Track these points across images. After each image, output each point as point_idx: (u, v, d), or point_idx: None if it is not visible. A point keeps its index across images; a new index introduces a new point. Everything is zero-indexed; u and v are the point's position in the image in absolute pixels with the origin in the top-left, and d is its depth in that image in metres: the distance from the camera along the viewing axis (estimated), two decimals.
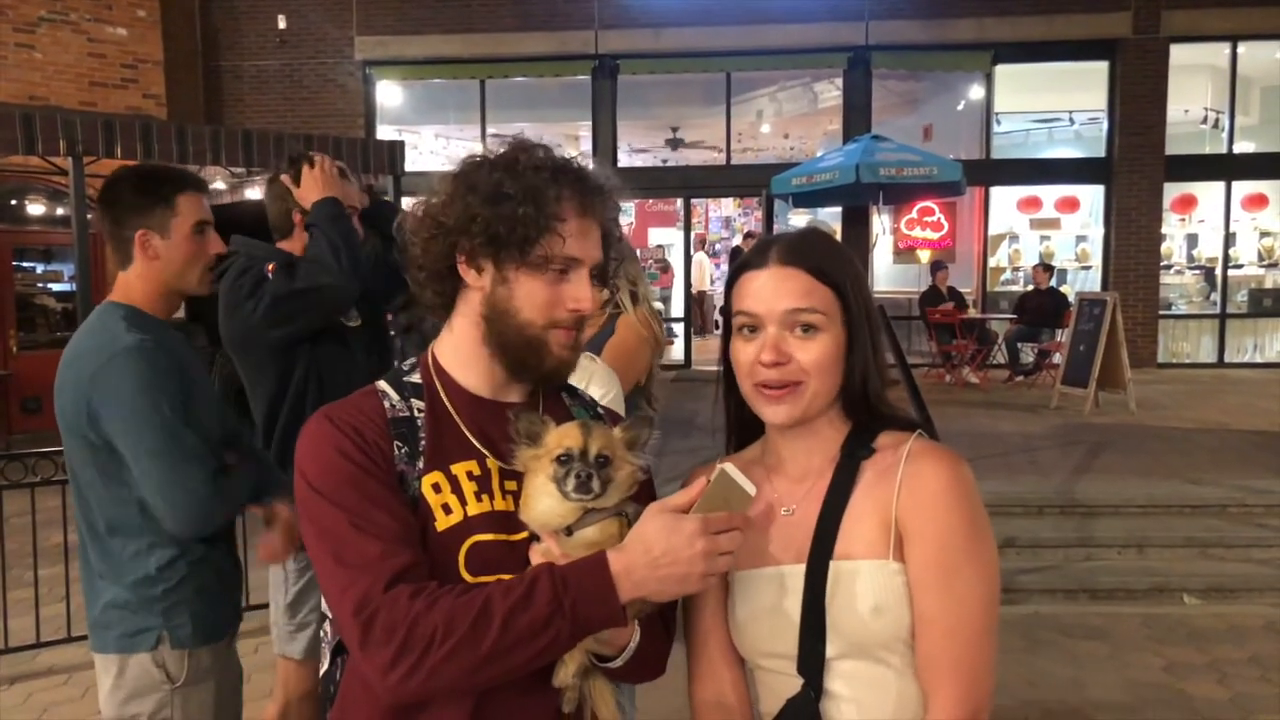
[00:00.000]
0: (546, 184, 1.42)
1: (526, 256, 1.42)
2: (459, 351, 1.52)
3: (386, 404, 1.47)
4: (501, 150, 1.47)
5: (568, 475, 1.38)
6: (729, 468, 1.29)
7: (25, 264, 11.67)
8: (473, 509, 1.43)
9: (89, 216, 9.63)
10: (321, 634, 1.55)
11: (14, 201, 11.75)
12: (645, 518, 1.33)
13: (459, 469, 1.45)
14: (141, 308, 2.47)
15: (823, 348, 1.44)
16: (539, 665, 1.34)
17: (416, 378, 1.52)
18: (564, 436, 1.41)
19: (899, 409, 1.54)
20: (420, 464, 1.43)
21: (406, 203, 3.28)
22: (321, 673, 1.55)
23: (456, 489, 1.43)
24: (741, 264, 1.53)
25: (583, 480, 1.37)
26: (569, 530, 1.39)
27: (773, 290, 1.46)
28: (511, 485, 1.46)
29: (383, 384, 1.51)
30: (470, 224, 1.42)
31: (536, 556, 1.40)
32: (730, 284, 1.55)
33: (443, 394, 1.50)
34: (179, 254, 2.49)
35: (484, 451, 1.47)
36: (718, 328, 15.90)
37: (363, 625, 1.28)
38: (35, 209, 11.83)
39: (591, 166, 1.51)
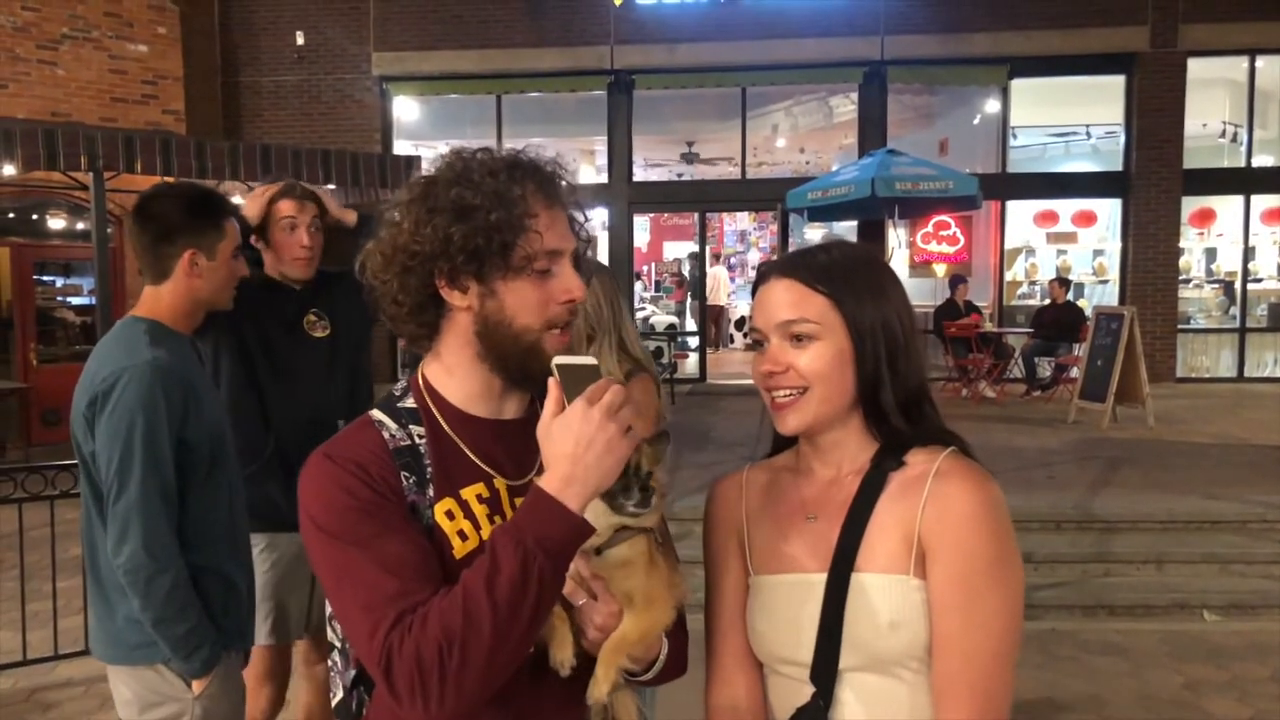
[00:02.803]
0: (507, 184, 1.39)
1: (510, 262, 1.39)
2: (452, 373, 1.48)
3: (385, 434, 1.43)
4: (446, 164, 1.44)
5: (628, 489, 1.36)
6: (557, 359, 1.32)
7: (45, 278, 11.77)
8: (487, 532, 1.40)
9: (109, 230, 9.72)
10: (330, 663, 1.53)
11: (35, 216, 11.88)
12: (542, 434, 1.32)
13: (468, 493, 1.42)
14: (166, 323, 2.52)
15: (818, 354, 1.43)
16: (544, 618, 1.30)
17: (411, 403, 1.48)
18: None
19: (937, 420, 1.51)
20: (430, 492, 1.40)
21: None
22: (335, 702, 1.52)
23: (469, 513, 1.41)
24: (755, 280, 1.55)
25: (647, 494, 1.37)
26: (599, 550, 1.38)
27: (770, 303, 1.48)
28: (520, 503, 1.44)
29: (378, 413, 1.47)
30: (447, 245, 1.37)
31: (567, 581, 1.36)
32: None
33: (440, 417, 1.47)
34: (219, 276, 2.60)
35: (490, 472, 1.45)
36: (733, 341, 15.90)
37: (383, 675, 1.26)
38: (56, 223, 11.96)
39: (538, 155, 1.47)
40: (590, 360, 1.30)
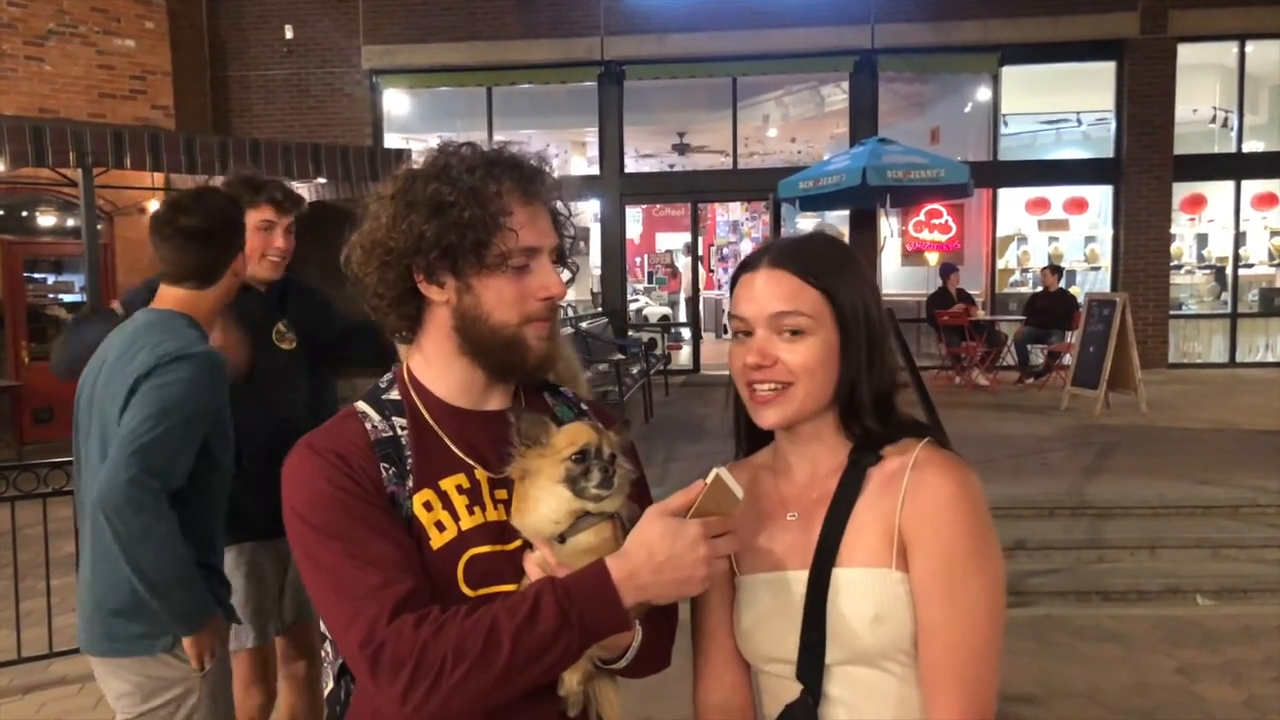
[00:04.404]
0: (484, 181, 1.41)
1: (484, 259, 1.40)
2: (433, 365, 1.50)
3: (368, 425, 1.45)
4: (429, 159, 1.46)
5: (588, 472, 1.37)
6: (723, 472, 1.30)
7: (36, 275, 11.72)
8: (466, 523, 1.42)
9: (100, 226, 9.68)
10: (323, 654, 1.54)
11: (25, 213, 11.82)
12: (646, 522, 1.32)
13: (448, 484, 1.43)
14: (200, 320, 2.56)
15: (810, 350, 1.42)
16: (553, 677, 1.34)
17: (395, 394, 1.50)
18: (578, 435, 1.41)
19: (908, 415, 1.51)
20: (409, 483, 1.41)
21: None
22: (326, 693, 1.54)
23: (448, 504, 1.42)
24: (739, 267, 1.53)
25: (608, 475, 1.37)
26: (561, 538, 1.38)
27: (761, 293, 1.45)
28: (502, 494, 1.45)
29: (362, 405, 1.49)
30: (420, 242, 1.39)
31: (531, 566, 1.39)
32: (732, 288, 1.54)
33: (423, 409, 1.48)
34: (241, 276, 2.70)
35: (471, 463, 1.46)
36: (726, 332, 15.99)
37: (370, 658, 1.27)
38: (46, 220, 11.90)
39: (521, 151, 1.49)
40: (739, 495, 1.31)
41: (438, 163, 1.44)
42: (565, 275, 1.52)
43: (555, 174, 1.51)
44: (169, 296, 2.54)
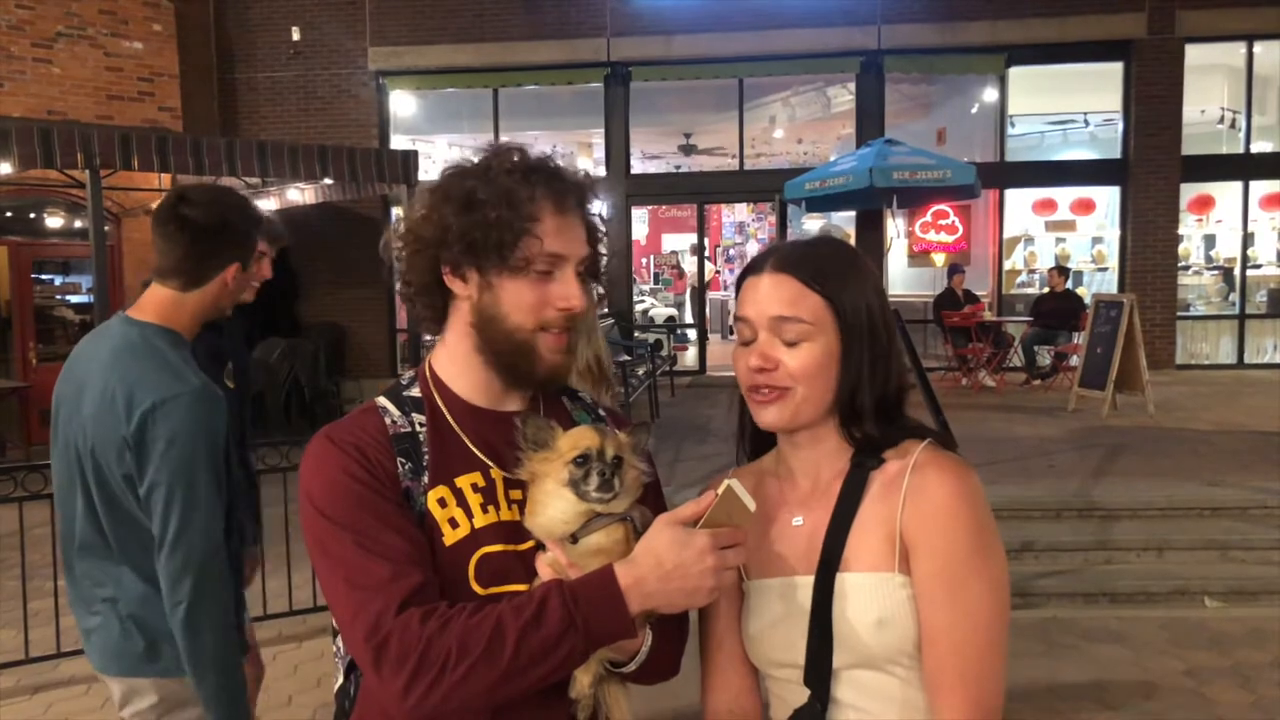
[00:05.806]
0: (519, 185, 1.42)
1: (507, 261, 1.42)
2: (454, 362, 1.52)
3: (387, 420, 1.46)
4: (481, 156, 1.48)
5: (588, 475, 1.37)
6: (735, 483, 1.30)
7: (44, 276, 11.75)
8: (479, 521, 1.43)
9: (107, 228, 9.70)
10: (335, 648, 1.55)
11: (33, 215, 11.87)
12: (655, 530, 1.33)
13: (463, 482, 1.44)
14: (182, 333, 2.40)
15: (809, 355, 1.43)
16: (555, 679, 1.34)
17: (416, 391, 1.52)
18: (580, 438, 1.41)
19: (912, 418, 1.51)
20: (425, 479, 1.43)
21: None
22: (336, 687, 1.55)
23: (462, 502, 1.43)
24: (744, 270, 1.53)
25: (606, 479, 1.37)
26: (573, 538, 1.39)
27: (763, 297, 1.46)
28: (517, 495, 1.46)
29: (382, 400, 1.50)
30: (446, 234, 1.43)
31: (543, 567, 1.39)
32: (737, 289, 1.55)
33: (443, 406, 1.50)
34: (243, 288, 2.57)
35: (487, 462, 1.47)
36: (732, 333, 15.99)
37: (375, 650, 1.28)
38: (54, 222, 11.95)
39: (562, 164, 1.51)
40: (751, 507, 1.31)
41: (481, 162, 1.47)
42: (598, 290, 1.56)
43: (593, 192, 1.53)
44: (150, 302, 2.39)
